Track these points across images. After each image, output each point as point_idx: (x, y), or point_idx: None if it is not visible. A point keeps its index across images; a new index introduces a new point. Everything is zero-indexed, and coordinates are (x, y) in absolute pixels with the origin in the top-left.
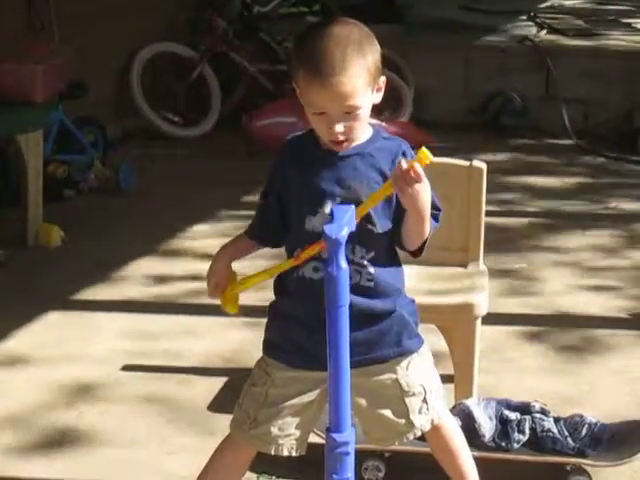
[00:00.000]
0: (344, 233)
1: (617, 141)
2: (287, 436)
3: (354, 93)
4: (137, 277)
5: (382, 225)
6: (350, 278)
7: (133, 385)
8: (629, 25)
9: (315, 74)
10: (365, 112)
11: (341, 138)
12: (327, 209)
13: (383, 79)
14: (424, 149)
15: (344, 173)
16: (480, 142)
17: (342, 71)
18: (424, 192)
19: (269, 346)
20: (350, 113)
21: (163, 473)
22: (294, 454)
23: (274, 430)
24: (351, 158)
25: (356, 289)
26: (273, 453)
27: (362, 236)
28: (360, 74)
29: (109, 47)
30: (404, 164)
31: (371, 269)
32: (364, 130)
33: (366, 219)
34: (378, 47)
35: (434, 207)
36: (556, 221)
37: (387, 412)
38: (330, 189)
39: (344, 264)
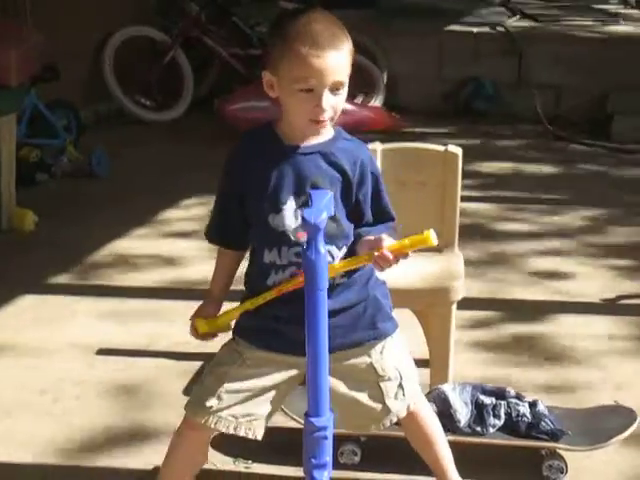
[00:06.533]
0: (323, 217)
1: (589, 127)
2: (247, 416)
3: (343, 68)
4: (111, 261)
5: (347, 225)
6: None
7: (108, 369)
8: (601, 11)
9: (309, 48)
10: (346, 91)
11: (326, 116)
12: (289, 207)
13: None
14: (431, 232)
15: (307, 170)
16: (452, 127)
17: (334, 46)
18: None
19: (242, 328)
20: (336, 90)
21: (137, 458)
22: (250, 436)
23: (237, 409)
24: (313, 155)
25: (332, 288)
26: (232, 432)
27: (333, 237)
28: (346, 52)
29: (82, 30)
30: (386, 244)
31: None
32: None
33: (333, 220)
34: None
35: (389, 218)
36: (529, 206)
37: (362, 397)
38: (293, 186)
39: (323, 249)
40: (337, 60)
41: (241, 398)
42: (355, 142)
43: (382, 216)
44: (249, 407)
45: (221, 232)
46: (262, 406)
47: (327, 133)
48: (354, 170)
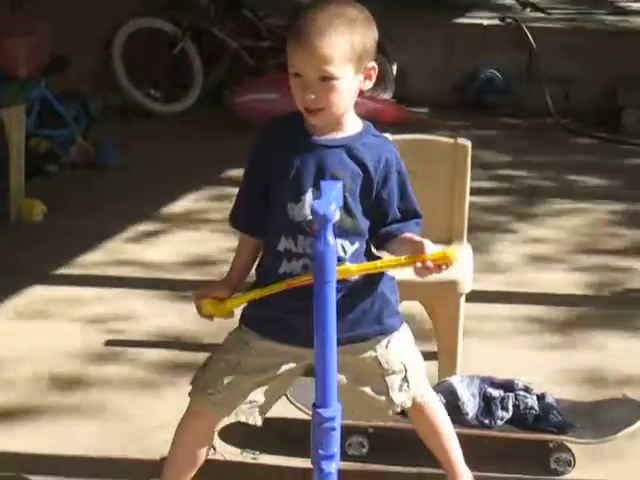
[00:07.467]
0: (332, 209)
1: (600, 120)
2: (249, 403)
3: (330, 59)
4: (119, 252)
5: (363, 221)
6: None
7: (116, 360)
8: (611, 2)
9: (297, 34)
10: (344, 86)
11: (313, 105)
12: (308, 198)
13: (373, 65)
14: (452, 249)
15: (330, 163)
16: (462, 120)
17: (322, 35)
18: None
19: (249, 318)
20: (326, 81)
21: (144, 445)
22: (250, 422)
23: (238, 396)
24: (338, 149)
25: (343, 282)
26: (233, 419)
27: (347, 232)
28: (341, 45)
29: (91, 22)
30: (429, 250)
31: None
32: (349, 115)
33: (349, 214)
34: (375, 34)
35: (416, 215)
36: (538, 199)
37: (367, 389)
38: (313, 178)
39: (332, 240)
40: (322, 49)
41: (244, 386)
42: (382, 139)
43: (409, 214)
44: (251, 395)
45: (245, 218)
46: (264, 394)
47: (354, 127)
48: (377, 167)
